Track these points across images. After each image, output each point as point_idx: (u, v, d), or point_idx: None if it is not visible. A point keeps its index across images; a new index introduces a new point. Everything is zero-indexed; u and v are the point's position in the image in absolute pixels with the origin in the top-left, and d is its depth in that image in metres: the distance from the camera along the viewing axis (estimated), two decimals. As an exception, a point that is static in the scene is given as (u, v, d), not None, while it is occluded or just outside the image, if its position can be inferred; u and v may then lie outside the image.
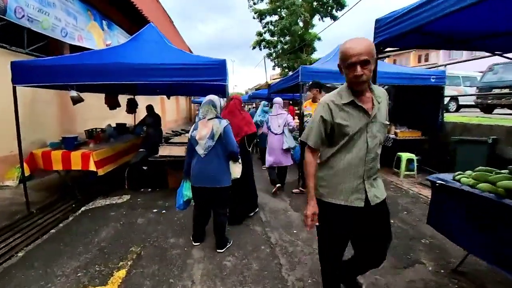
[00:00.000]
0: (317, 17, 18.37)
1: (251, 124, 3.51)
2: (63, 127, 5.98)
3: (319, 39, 18.94)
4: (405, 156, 5.37)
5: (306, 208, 1.59)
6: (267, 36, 19.50)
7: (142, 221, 3.51)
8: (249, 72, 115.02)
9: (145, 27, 4.70)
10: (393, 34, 2.15)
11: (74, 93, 3.69)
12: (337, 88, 4.89)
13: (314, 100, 4.20)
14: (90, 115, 6.66)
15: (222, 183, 2.64)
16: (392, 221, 3.38)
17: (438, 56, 24.28)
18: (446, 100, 8.30)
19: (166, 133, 6.56)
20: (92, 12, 7.00)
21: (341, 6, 17.40)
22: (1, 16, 4.32)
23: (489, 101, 8.67)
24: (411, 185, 4.90)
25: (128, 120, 7.54)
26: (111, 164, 4.59)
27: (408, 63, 25.57)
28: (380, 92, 1.56)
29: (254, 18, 18.55)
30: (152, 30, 4.65)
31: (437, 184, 2.16)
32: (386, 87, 4.92)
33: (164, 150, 4.37)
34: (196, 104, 25.25)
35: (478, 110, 9.55)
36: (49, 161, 4.14)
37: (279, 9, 17.86)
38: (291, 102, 13.89)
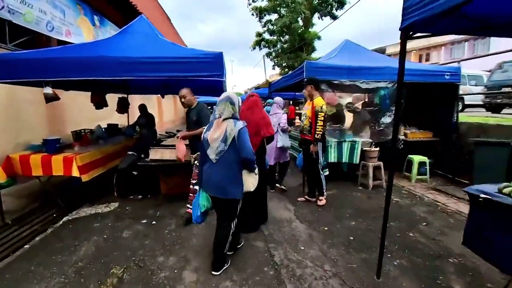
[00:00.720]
0: (316, 15, 18.02)
1: (270, 125, 3.20)
2: (52, 128, 5.57)
3: (319, 38, 18.61)
4: (417, 159, 4.99)
5: None
6: (266, 35, 19.15)
7: (129, 234, 3.10)
8: (248, 72, 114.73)
9: (135, 19, 4.30)
10: (424, 15, 1.76)
11: (48, 90, 3.29)
12: (346, 85, 4.35)
13: (311, 98, 3.77)
14: (83, 116, 6.24)
15: (231, 195, 2.26)
16: (411, 234, 3.00)
17: (440, 55, 23.96)
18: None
19: (160, 134, 6.15)
20: (82, 6, 6.59)
21: (341, 4, 17.04)
22: (-24, 6, 3.91)
23: (498, 101, 8.32)
24: (425, 191, 4.51)
25: (124, 121, 7.13)
26: (98, 168, 4.18)
27: (409, 62, 25.16)
28: None
29: (253, 15, 18.15)
30: (143, 22, 4.25)
31: (480, 199, 1.77)
32: (396, 84, 4.52)
33: (156, 154, 3.97)
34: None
35: (484, 110, 9.21)
36: (27, 166, 3.72)
37: (278, 8, 17.49)
38: (291, 102, 13.52)
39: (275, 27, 17.73)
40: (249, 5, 17.88)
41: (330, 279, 2.26)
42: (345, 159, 4.79)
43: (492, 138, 4.34)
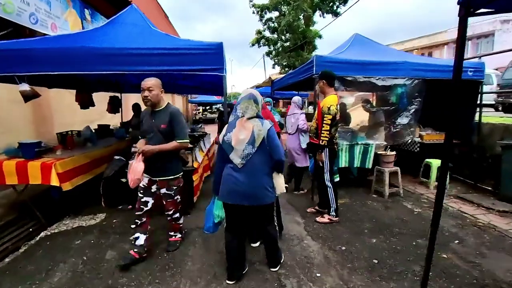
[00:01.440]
0: (317, 13, 17.62)
1: (276, 123, 2.82)
2: (39, 130, 5.13)
3: (320, 36, 18.22)
4: (436, 163, 4.54)
5: None
6: (267, 33, 18.73)
7: (113, 255, 2.64)
8: (247, 72, 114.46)
9: (125, 8, 3.85)
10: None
11: (24, 87, 2.84)
12: (359, 81, 3.83)
13: (324, 94, 3.27)
14: (75, 116, 5.79)
15: (265, 199, 2.09)
16: (444, 255, 2.56)
17: (442, 54, 23.56)
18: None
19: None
20: (72, -1, 6.13)
21: (344, 1, 16.63)
22: None
23: (512, 100, 7.93)
24: (447, 199, 4.07)
25: (117, 121, 6.68)
26: (83, 175, 3.73)
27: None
28: None
29: (253, 13, 17.74)
30: (133, 12, 3.80)
31: None
32: (416, 81, 4.08)
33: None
34: (193, 104, 24.37)
35: (493, 110, 8.79)
36: (0, 173, 3.27)
37: (279, 5, 17.09)
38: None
39: (276, 25, 17.32)
40: (250, 1, 17.46)
41: (357, 320, 1.82)
42: (356, 163, 4.35)
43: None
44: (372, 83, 3.96)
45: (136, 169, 2.30)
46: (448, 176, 4.57)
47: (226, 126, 2.16)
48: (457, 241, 2.84)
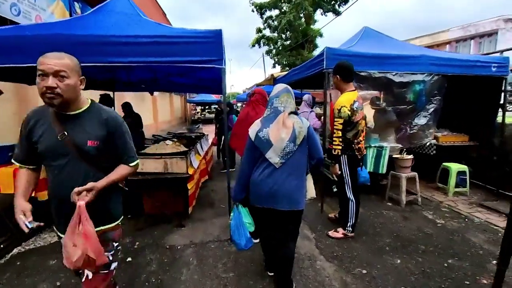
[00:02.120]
0: (318, 11, 17.30)
1: None
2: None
3: (321, 35, 17.93)
4: (455, 168, 4.16)
5: None
6: (267, 32, 18.41)
7: (92, 281, 2.24)
8: (246, 72, 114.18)
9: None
10: None
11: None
12: (373, 77, 3.34)
13: (341, 92, 2.81)
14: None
15: (300, 204, 1.85)
16: (485, 281, 2.15)
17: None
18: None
19: (146, 138, 5.29)
20: (60, -10, 5.71)
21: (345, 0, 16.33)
22: None
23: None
24: (469, 208, 3.69)
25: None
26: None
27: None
28: None
29: (253, 11, 17.39)
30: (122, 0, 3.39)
31: None
32: (435, 77, 3.70)
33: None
34: (192, 104, 23.90)
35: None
36: (-33, 181, 2.86)
37: (279, 3, 16.74)
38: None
39: (277, 23, 16.97)
40: (250, 0, 17.11)
41: None
42: (369, 168, 3.95)
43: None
44: (388, 79, 3.57)
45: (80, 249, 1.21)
46: (468, 182, 4.22)
47: (259, 120, 1.90)
48: (495, 261, 2.45)
